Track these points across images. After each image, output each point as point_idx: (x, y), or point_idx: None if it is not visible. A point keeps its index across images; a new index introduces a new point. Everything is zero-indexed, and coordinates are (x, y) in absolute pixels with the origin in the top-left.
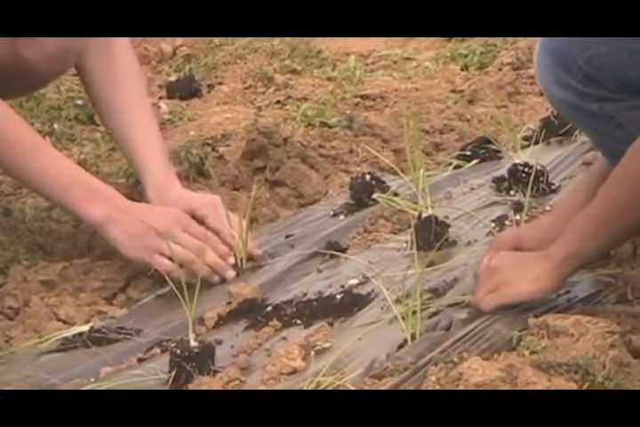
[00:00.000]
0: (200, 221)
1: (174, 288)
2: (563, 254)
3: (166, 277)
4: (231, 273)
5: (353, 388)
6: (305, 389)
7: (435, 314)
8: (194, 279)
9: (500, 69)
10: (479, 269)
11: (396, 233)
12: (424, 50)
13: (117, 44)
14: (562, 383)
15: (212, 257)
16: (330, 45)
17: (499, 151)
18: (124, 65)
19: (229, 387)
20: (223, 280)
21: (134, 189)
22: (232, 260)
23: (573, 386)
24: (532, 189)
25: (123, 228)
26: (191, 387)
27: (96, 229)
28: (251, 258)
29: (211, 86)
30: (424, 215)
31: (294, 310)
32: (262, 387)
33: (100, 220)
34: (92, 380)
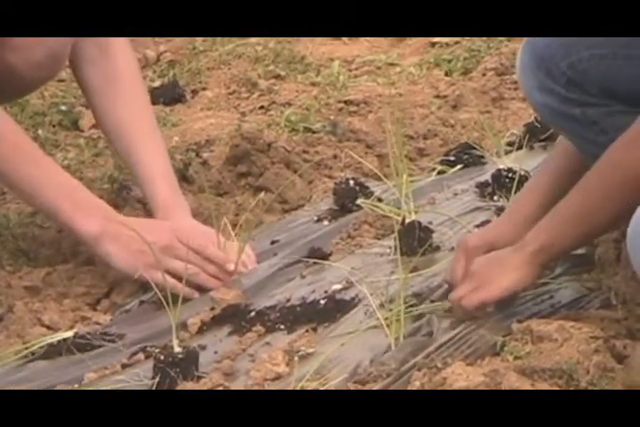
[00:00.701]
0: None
1: (159, 294)
2: (539, 244)
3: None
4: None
5: None
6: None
7: (418, 319)
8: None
9: (484, 75)
10: (448, 275)
11: (379, 238)
12: (408, 55)
13: (117, 50)
14: (546, 388)
15: (212, 268)
16: (314, 51)
17: (482, 157)
18: (124, 72)
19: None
20: None
21: (118, 195)
22: (231, 266)
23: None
24: (516, 194)
25: (121, 243)
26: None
27: (90, 245)
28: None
29: (194, 92)
30: (408, 221)
31: (278, 315)
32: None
33: (95, 233)
34: (76, 386)
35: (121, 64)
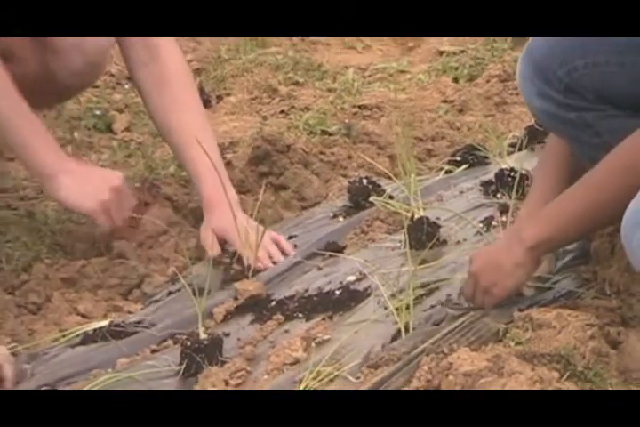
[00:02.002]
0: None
1: (186, 285)
2: (535, 240)
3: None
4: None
5: (351, 378)
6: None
7: (427, 309)
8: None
9: (488, 81)
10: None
11: (390, 233)
12: (417, 63)
13: (167, 53)
14: (545, 373)
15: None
16: (330, 59)
17: (486, 157)
18: (174, 74)
19: (236, 376)
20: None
21: (148, 193)
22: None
23: (555, 375)
24: (517, 192)
25: (75, 179)
26: (200, 377)
27: (43, 179)
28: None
29: (219, 98)
30: (417, 217)
31: (296, 304)
32: (266, 378)
33: (52, 167)
34: (109, 370)
35: (171, 66)
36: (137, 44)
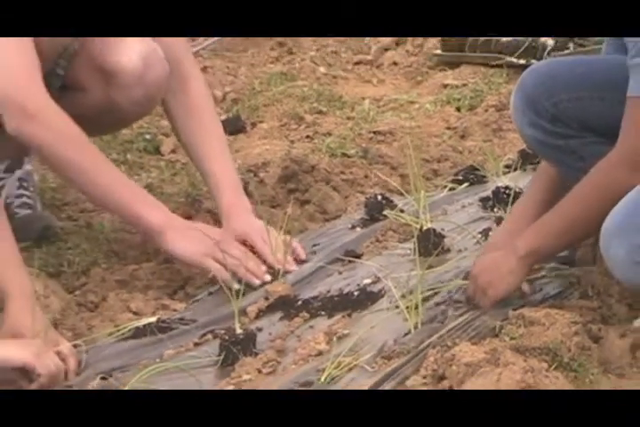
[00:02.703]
0: (249, 245)
1: (224, 287)
2: (526, 250)
3: (218, 279)
4: (267, 277)
5: (368, 367)
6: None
7: (433, 308)
8: (236, 280)
9: (486, 111)
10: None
11: (401, 242)
12: (425, 95)
13: (194, 85)
14: (535, 363)
15: (252, 265)
16: (349, 91)
17: (485, 177)
18: (200, 102)
19: (268, 366)
20: (262, 283)
21: (192, 207)
22: (264, 268)
23: (544, 365)
24: (512, 206)
25: (182, 234)
26: (236, 366)
27: (155, 233)
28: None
29: (253, 124)
30: (424, 228)
31: (319, 304)
32: (293, 368)
33: (161, 224)
34: (157, 360)
35: (197, 97)
36: (170, 75)
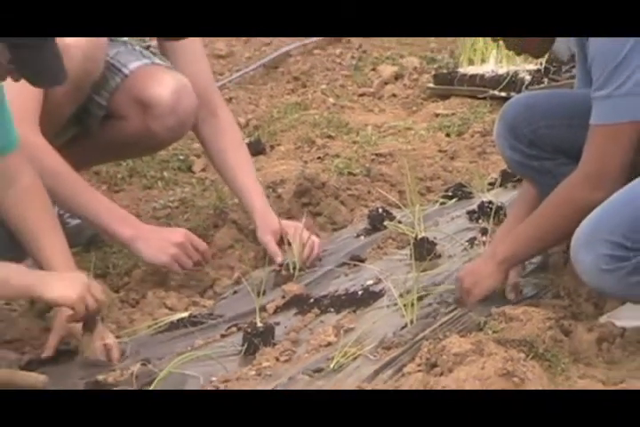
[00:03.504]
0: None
1: (247, 286)
2: (503, 256)
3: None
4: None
5: (370, 356)
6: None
7: (426, 306)
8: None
9: (473, 136)
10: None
11: (399, 249)
12: (419, 122)
13: (220, 109)
14: (514, 354)
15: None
16: (354, 119)
17: (471, 193)
18: (226, 125)
19: (284, 355)
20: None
21: (219, 218)
22: (278, 259)
23: (522, 356)
24: (494, 219)
25: (147, 244)
26: (257, 355)
27: (126, 245)
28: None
29: (272, 147)
30: (419, 237)
31: (329, 301)
32: (306, 356)
33: (128, 238)
34: (189, 349)
35: (225, 122)
36: (201, 106)
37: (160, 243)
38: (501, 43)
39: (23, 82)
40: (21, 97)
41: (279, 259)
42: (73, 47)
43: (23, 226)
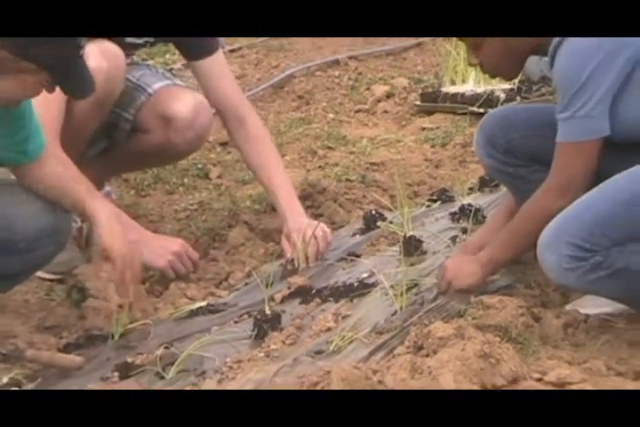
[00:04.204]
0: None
1: (257, 279)
2: (486, 259)
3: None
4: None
5: (365, 340)
6: (330, 348)
7: (413, 295)
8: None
9: (454, 147)
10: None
11: (390, 246)
12: (408, 135)
13: (249, 119)
14: (491, 338)
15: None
16: (351, 132)
17: (453, 197)
18: (257, 133)
19: (290, 339)
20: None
21: (233, 219)
22: (288, 255)
23: (498, 339)
24: (473, 219)
25: (149, 249)
26: (266, 339)
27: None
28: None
29: None
30: (407, 235)
31: (329, 292)
32: (309, 340)
33: (133, 241)
34: (207, 334)
35: (254, 129)
36: (230, 117)
37: (159, 250)
38: (478, 67)
39: (44, 101)
40: (44, 115)
41: (289, 255)
42: (96, 70)
43: None
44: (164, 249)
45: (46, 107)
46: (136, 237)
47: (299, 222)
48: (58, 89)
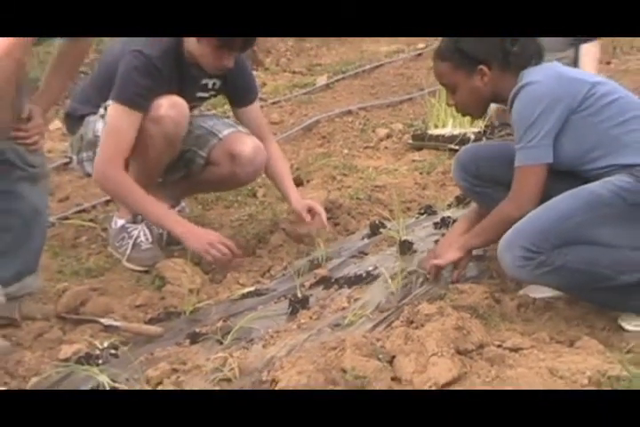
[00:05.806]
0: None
1: (292, 271)
2: (462, 243)
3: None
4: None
5: (371, 316)
6: (343, 325)
7: (406, 283)
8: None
9: (437, 174)
10: (422, 259)
11: (390, 247)
12: (402, 165)
13: (270, 146)
14: (464, 315)
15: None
16: (360, 163)
17: (436, 211)
18: (274, 154)
19: (315, 315)
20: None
21: (273, 226)
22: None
23: (469, 316)
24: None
25: (195, 239)
26: (298, 315)
27: (180, 240)
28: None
29: (307, 181)
30: (402, 239)
31: (344, 280)
32: (329, 316)
33: (180, 234)
34: (254, 311)
35: (271, 150)
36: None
37: (200, 238)
38: (453, 108)
39: (120, 129)
40: (116, 141)
41: (308, 218)
42: (165, 117)
43: None
44: (204, 238)
45: (117, 136)
46: (181, 230)
47: (299, 199)
48: (133, 128)
